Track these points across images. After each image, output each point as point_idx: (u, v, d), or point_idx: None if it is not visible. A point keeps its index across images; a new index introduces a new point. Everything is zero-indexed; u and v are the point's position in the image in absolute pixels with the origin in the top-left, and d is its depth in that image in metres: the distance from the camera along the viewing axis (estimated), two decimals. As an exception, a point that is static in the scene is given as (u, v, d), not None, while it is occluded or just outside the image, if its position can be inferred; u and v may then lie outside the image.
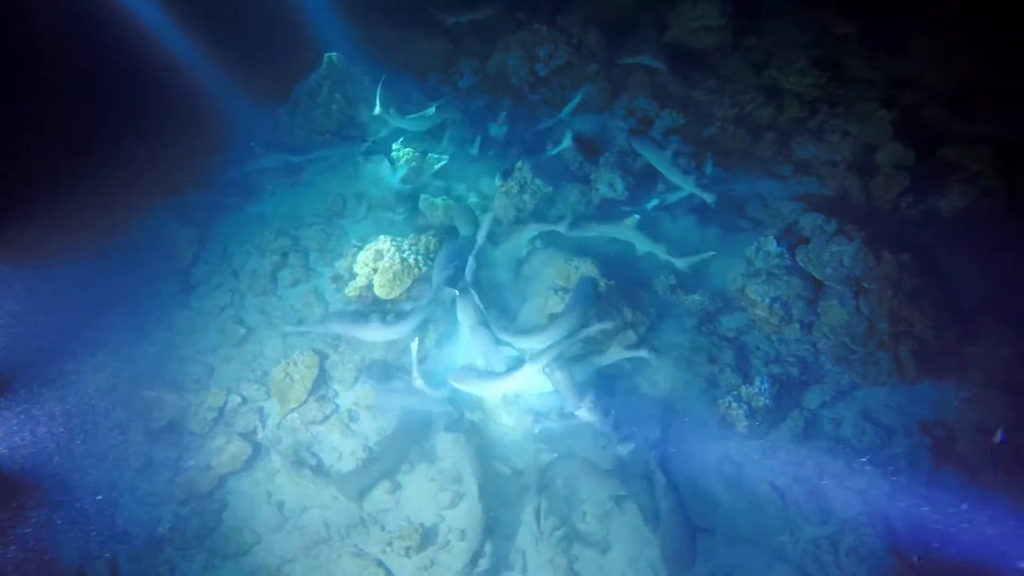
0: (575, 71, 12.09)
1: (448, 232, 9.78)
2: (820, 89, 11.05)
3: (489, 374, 8.00)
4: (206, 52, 12.03)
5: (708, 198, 9.36)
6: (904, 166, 9.92)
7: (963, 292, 8.57)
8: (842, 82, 11.28)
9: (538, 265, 9.25)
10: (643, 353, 8.31)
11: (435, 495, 8.09)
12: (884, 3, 12.16)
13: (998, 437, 7.58)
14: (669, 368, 8.54)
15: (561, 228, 9.31)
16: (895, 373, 8.36)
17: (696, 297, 9.01)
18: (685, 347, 8.73)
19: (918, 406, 8.29)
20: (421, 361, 8.36)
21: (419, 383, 8.10)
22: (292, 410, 8.75)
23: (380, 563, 7.67)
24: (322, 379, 8.95)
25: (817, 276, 8.87)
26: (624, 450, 7.73)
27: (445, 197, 10.13)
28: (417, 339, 8.37)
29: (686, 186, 9.56)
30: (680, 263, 9.06)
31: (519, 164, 9.66)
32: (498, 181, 9.70)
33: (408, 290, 9.01)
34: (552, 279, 8.98)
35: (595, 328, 7.85)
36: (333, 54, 11.67)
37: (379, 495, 8.11)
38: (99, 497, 8.25)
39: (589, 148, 10.92)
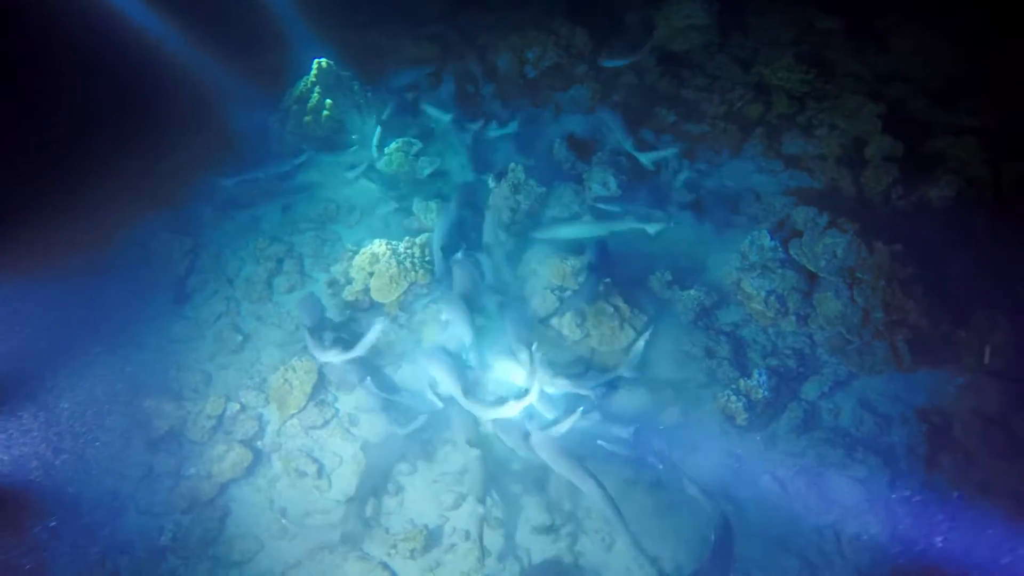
0: (565, 72, 12.17)
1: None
2: (808, 85, 11.15)
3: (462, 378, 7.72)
4: (195, 59, 11.99)
5: (644, 159, 10.21)
6: (893, 158, 10.02)
7: (955, 279, 8.65)
8: (829, 77, 11.39)
9: (534, 264, 9.25)
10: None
11: (438, 496, 8.07)
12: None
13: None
14: (667, 364, 8.55)
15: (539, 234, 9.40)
16: (891, 362, 8.41)
17: (692, 292, 9.06)
18: (683, 342, 8.76)
19: (915, 394, 8.33)
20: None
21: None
22: (292, 416, 8.72)
23: (385, 566, 7.63)
24: (321, 384, 8.91)
25: (811, 268, 8.94)
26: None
27: (439, 200, 10.15)
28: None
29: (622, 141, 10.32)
30: (644, 159, 10.13)
31: (512, 166, 9.69)
32: (491, 183, 9.74)
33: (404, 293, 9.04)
34: (548, 278, 8.99)
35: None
36: (323, 60, 11.68)
37: (382, 498, 8.07)
38: (100, 508, 8.19)
39: (581, 148, 10.97)
